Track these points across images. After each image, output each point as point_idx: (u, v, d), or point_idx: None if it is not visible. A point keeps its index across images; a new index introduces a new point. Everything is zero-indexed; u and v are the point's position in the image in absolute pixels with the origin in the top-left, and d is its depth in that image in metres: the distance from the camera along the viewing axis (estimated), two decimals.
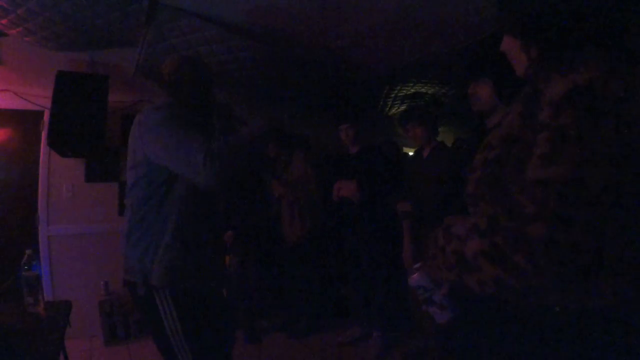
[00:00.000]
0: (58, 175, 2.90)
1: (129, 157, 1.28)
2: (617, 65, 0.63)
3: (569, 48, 0.70)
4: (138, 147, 1.24)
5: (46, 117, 2.72)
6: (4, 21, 2.17)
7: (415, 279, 0.93)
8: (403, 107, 4.35)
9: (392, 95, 4.07)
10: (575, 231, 0.56)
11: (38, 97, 2.79)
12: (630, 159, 0.57)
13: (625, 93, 0.59)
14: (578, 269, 0.58)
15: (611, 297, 0.62)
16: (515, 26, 0.77)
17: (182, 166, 1.14)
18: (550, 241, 0.57)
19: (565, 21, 0.70)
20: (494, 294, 0.67)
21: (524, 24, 0.75)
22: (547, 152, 0.61)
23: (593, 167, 0.56)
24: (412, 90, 3.96)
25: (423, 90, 3.95)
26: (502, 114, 0.82)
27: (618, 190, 0.56)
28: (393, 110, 4.51)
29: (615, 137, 0.57)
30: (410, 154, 3.32)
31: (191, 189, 1.23)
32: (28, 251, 1.51)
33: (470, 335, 0.94)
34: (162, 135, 1.17)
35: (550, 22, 0.72)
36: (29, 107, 2.80)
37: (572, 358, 0.67)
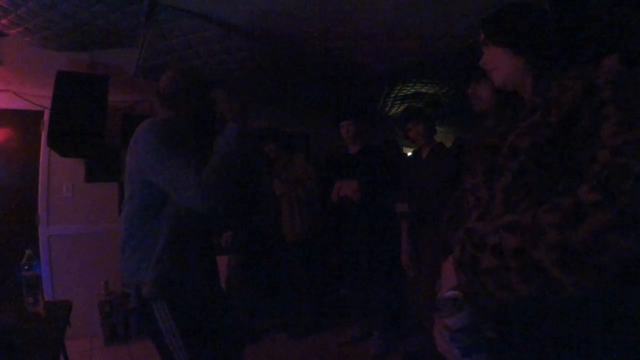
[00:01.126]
0: (58, 175, 2.90)
1: (127, 169, 1.29)
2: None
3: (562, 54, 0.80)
4: (134, 162, 1.24)
5: (46, 117, 2.71)
6: (4, 21, 2.17)
7: (460, 319, 0.65)
8: (403, 107, 4.35)
9: (392, 95, 4.07)
10: None
11: (38, 97, 2.79)
12: None
13: None
14: None
15: None
16: (508, 38, 0.85)
17: (176, 194, 1.16)
18: None
19: (556, 31, 0.81)
20: (614, 280, 0.58)
21: (520, 35, 0.83)
22: (623, 119, 0.64)
23: None
24: (412, 90, 3.96)
25: (423, 90, 3.95)
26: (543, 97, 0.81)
27: None
28: (393, 110, 4.51)
29: None
30: (409, 154, 3.32)
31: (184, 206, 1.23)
32: (28, 251, 1.51)
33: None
34: (157, 159, 1.16)
35: (545, 32, 0.82)
36: (29, 107, 2.80)
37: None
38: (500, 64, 0.88)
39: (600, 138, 0.64)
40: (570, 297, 0.59)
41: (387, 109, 4.44)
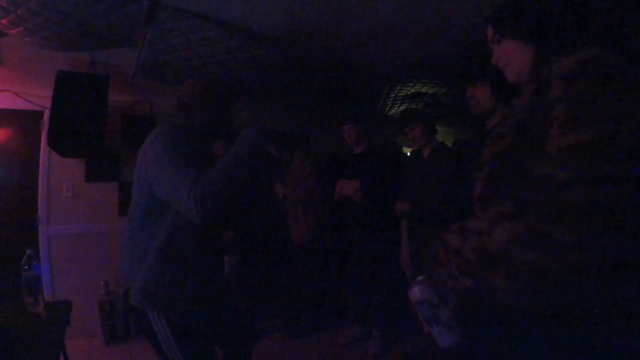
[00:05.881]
0: (58, 175, 2.90)
1: (135, 174, 1.27)
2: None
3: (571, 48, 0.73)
4: (142, 169, 1.22)
5: (46, 117, 2.71)
6: (4, 21, 2.17)
7: (418, 291, 0.81)
8: (403, 107, 4.34)
9: (392, 95, 4.07)
10: (615, 187, 0.52)
11: (38, 97, 2.79)
12: None
13: (626, 64, 0.60)
14: (624, 228, 0.52)
15: None
16: (523, 30, 0.80)
17: (173, 204, 1.14)
18: (591, 202, 0.52)
19: (571, 24, 0.75)
20: (522, 291, 0.60)
21: (534, 27, 0.78)
22: (568, 120, 0.60)
23: (618, 124, 0.55)
24: (412, 90, 3.96)
25: (423, 90, 3.95)
26: (502, 113, 0.81)
27: None
28: (393, 110, 4.50)
29: (630, 97, 0.57)
30: (409, 154, 3.32)
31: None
32: (28, 251, 1.51)
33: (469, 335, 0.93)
34: (159, 167, 1.15)
35: (559, 25, 0.76)
36: (29, 107, 2.80)
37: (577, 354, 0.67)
38: (514, 57, 0.83)
39: (544, 147, 0.63)
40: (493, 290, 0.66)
41: (387, 109, 4.44)
